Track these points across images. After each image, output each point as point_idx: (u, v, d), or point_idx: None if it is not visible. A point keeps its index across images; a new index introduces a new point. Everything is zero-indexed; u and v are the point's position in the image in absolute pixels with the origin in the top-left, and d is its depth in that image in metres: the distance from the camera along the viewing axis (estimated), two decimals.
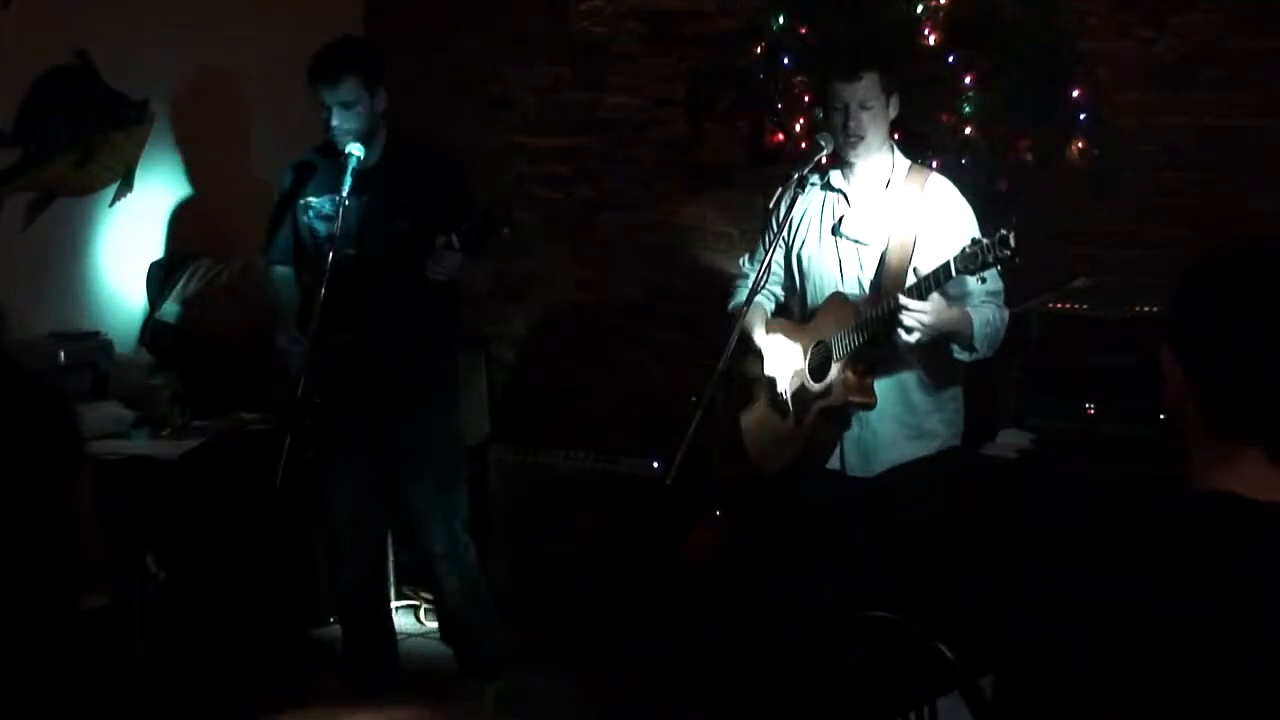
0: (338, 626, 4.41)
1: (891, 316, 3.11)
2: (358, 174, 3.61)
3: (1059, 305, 3.93)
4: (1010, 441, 3.89)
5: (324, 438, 3.76)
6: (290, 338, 3.63)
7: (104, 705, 3.81)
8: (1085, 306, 3.91)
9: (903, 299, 3.08)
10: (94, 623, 4.13)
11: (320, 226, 3.73)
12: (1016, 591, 2.40)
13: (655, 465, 4.50)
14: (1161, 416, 3.63)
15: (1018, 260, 2.95)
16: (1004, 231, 2.94)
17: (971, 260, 2.98)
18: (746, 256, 3.70)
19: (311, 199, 3.75)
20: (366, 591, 4.04)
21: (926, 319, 3.08)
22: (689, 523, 4.34)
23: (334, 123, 3.60)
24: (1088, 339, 3.83)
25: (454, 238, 3.47)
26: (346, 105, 3.59)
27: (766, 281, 3.49)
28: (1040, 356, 3.91)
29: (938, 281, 3.07)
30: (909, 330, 3.09)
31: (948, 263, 3.04)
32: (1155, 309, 3.74)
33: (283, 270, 3.86)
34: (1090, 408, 3.77)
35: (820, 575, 3.50)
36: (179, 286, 4.55)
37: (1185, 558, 1.39)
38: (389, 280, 3.63)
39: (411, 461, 3.83)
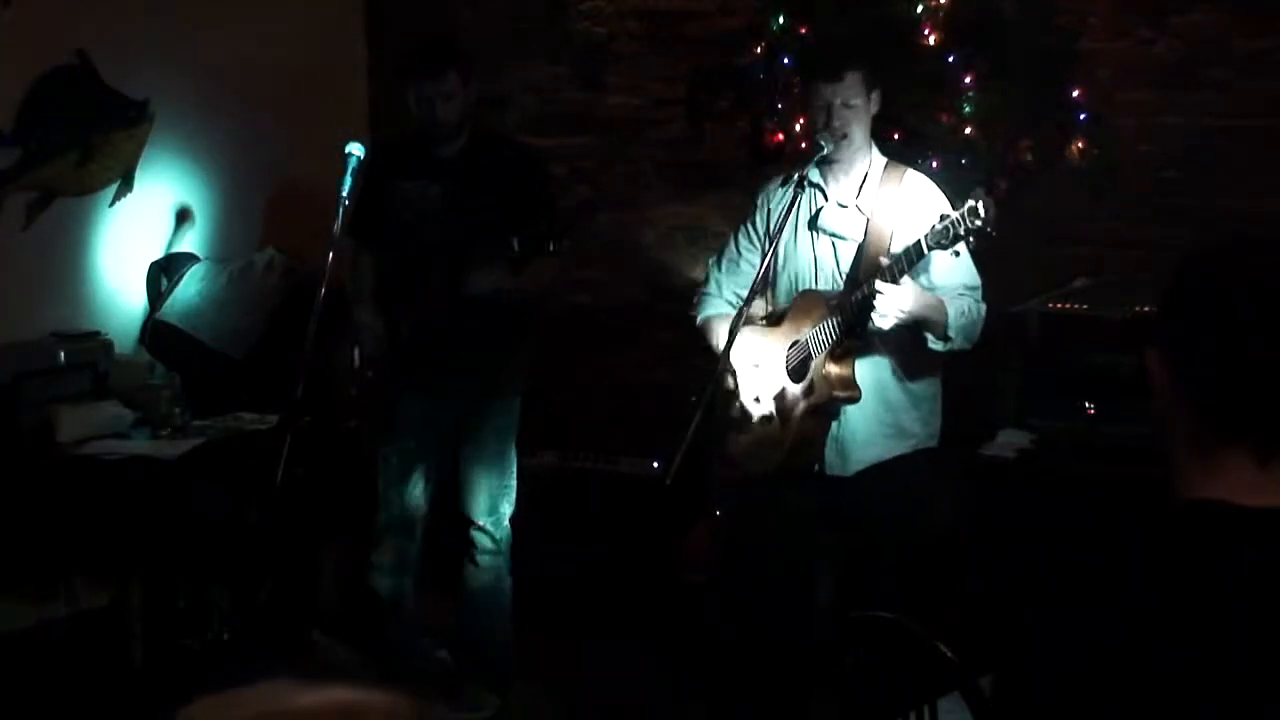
0: (338, 625, 4.41)
1: (866, 303, 3.09)
2: (442, 162, 3.72)
3: (1059, 305, 3.93)
4: (1010, 441, 3.88)
5: (383, 422, 3.87)
6: (372, 315, 3.74)
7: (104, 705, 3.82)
8: (1085, 306, 3.90)
9: (877, 284, 3.05)
10: (94, 623, 4.15)
11: (406, 211, 3.78)
12: (1010, 598, 2.39)
13: (655, 465, 4.49)
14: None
15: (991, 230, 2.88)
16: (973, 202, 2.89)
17: (943, 235, 2.94)
18: (714, 259, 3.66)
19: (401, 182, 3.80)
20: (399, 578, 4.04)
21: (901, 303, 3.05)
22: (689, 523, 4.33)
23: (436, 114, 3.67)
24: (1088, 339, 3.83)
25: (515, 242, 3.50)
26: (448, 96, 3.66)
27: (765, 285, 3.45)
28: (1040, 356, 3.91)
29: (910, 261, 3.04)
30: (883, 316, 3.06)
31: (918, 240, 3.01)
32: (1155, 309, 3.73)
33: (360, 249, 3.90)
34: (1090, 408, 3.77)
35: (808, 576, 3.50)
36: (179, 286, 4.55)
37: (1175, 567, 1.37)
38: (469, 267, 3.67)
39: (473, 438, 3.90)
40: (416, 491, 3.95)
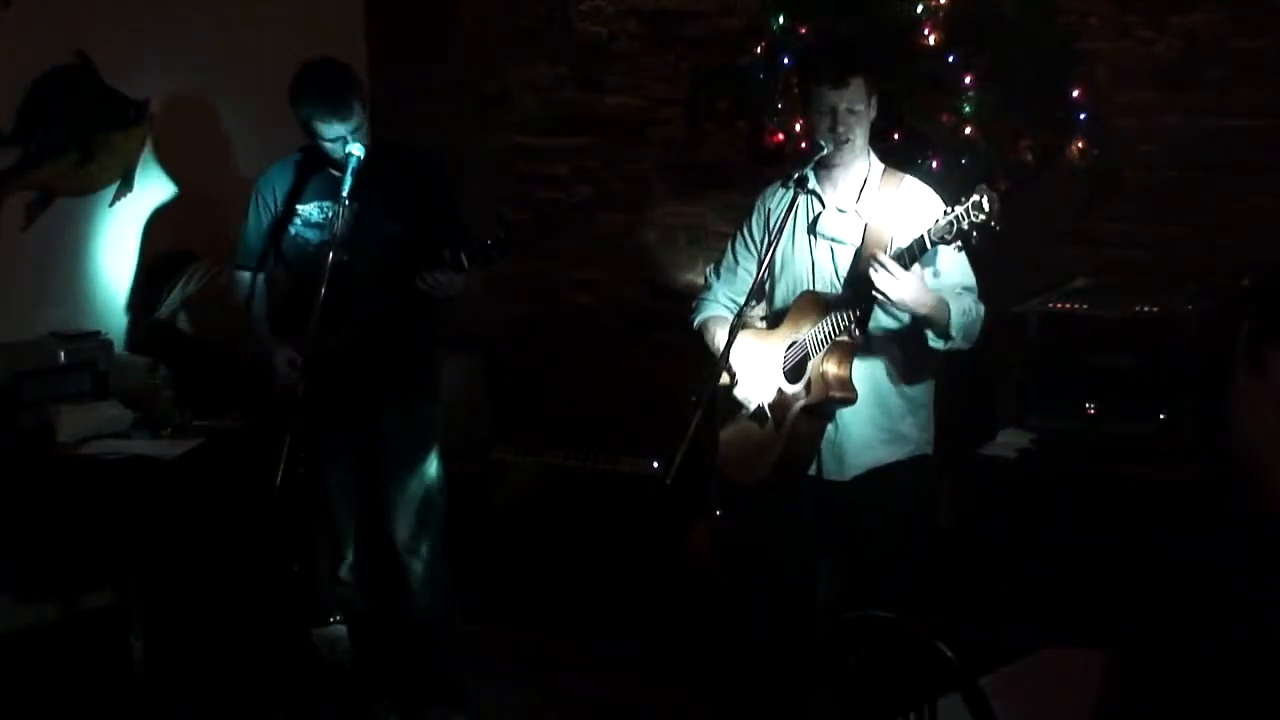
0: (338, 626, 4.41)
1: (866, 284, 3.06)
2: (341, 181, 3.58)
3: (1059, 305, 3.93)
4: (1010, 441, 3.88)
5: (316, 438, 3.74)
6: (289, 360, 3.59)
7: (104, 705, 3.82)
8: (1085, 306, 3.90)
9: (880, 255, 3.03)
10: (94, 623, 4.16)
11: (310, 234, 3.69)
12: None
13: (655, 465, 4.49)
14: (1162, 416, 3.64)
15: (995, 225, 2.87)
16: (977, 196, 2.88)
17: (947, 230, 2.92)
18: (712, 267, 3.65)
19: (298, 206, 3.72)
20: (367, 587, 4.03)
21: (900, 290, 3.02)
22: (689, 523, 4.33)
23: (347, 150, 3.56)
24: (1088, 339, 3.83)
25: (462, 256, 3.42)
26: (356, 129, 3.57)
27: (762, 290, 3.44)
28: (1040, 356, 3.90)
29: (913, 256, 3.03)
30: (878, 294, 3.03)
31: (922, 235, 2.99)
32: (1155, 309, 3.73)
33: (256, 277, 3.79)
34: (1090, 408, 3.77)
35: (808, 576, 3.50)
36: (179, 286, 4.56)
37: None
38: (378, 284, 3.59)
39: (392, 459, 3.81)
40: (360, 506, 3.89)
